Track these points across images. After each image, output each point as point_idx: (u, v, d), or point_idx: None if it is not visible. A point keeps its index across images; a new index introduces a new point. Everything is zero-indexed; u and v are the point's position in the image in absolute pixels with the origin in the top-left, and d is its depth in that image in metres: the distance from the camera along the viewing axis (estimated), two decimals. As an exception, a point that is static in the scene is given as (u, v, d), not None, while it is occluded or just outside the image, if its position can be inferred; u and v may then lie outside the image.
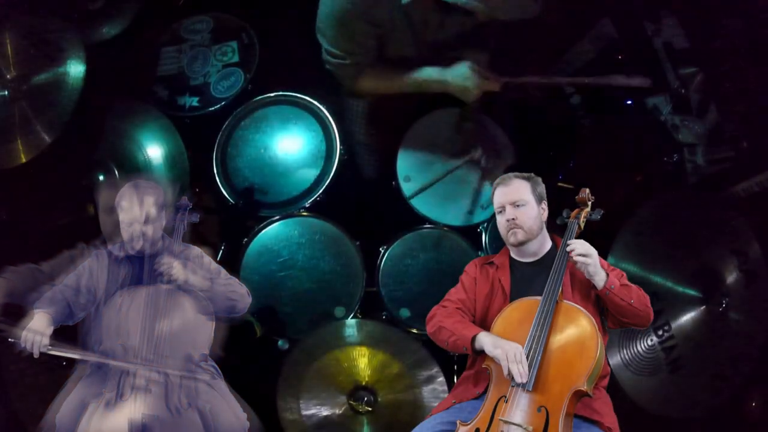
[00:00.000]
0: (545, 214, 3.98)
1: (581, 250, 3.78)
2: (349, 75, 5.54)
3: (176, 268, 4.15)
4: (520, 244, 3.94)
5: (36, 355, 4.03)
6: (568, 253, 3.80)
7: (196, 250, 4.39)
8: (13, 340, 4.02)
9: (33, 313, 4.09)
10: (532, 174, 4.03)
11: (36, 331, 4.01)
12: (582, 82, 5.70)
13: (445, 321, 3.88)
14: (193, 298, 4.20)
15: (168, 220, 4.37)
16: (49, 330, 4.05)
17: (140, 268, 4.26)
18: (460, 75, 5.50)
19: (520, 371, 3.59)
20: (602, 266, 3.81)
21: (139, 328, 4.11)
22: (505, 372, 3.61)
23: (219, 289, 4.25)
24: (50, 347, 4.02)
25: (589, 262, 3.76)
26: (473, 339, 3.74)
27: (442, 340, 3.88)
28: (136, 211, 4.23)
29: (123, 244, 4.32)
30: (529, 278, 3.91)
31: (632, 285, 3.84)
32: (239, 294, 4.31)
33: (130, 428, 3.93)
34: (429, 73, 5.54)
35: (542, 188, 4.01)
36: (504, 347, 3.65)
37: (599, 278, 3.77)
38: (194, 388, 4.10)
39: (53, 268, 4.40)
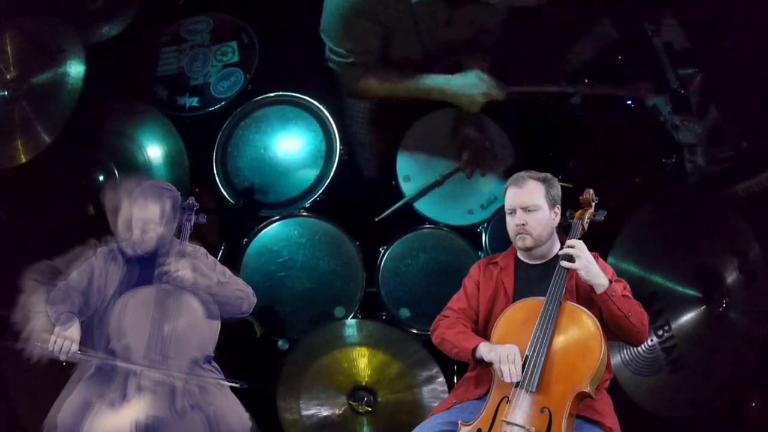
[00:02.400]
0: (557, 219, 3.92)
1: (569, 251, 3.75)
2: (352, 75, 5.52)
3: (186, 270, 4.15)
4: (528, 250, 3.91)
5: (63, 359, 4.03)
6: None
7: (201, 250, 4.40)
8: (40, 344, 4.03)
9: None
10: (549, 175, 3.96)
11: (66, 336, 4.01)
12: (582, 90, 5.67)
13: (446, 333, 3.88)
14: (201, 300, 4.20)
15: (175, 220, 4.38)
16: (79, 334, 4.05)
17: (149, 269, 4.26)
18: (467, 84, 5.48)
19: (511, 371, 3.58)
20: (606, 273, 3.79)
21: (147, 329, 4.10)
22: (499, 373, 3.61)
23: (226, 290, 4.26)
24: (78, 352, 4.03)
25: (577, 266, 3.73)
26: (473, 350, 3.74)
27: (447, 351, 3.90)
28: (153, 212, 4.23)
29: (132, 244, 4.31)
30: (534, 280, 3.89)
31: (633, 299, 3.81)
32: (245, 294, 4.32)
33: (133, 429, 3.93)
34: (435, 80, 5.51)
35: (557, 191, 3.94)
36: (497, 350, 3.64)
37: (598, 283, 3.73)
38: (198, 389, 4.10)
39: (67, 265, 4.39)
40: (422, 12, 5.11)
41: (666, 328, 5.40)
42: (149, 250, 4.29)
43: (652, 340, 5.40)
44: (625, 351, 5.42)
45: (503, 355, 3.60)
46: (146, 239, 4.25)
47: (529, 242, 3.87)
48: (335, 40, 5.31)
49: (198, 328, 4.21)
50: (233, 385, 4.16)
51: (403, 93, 5.59)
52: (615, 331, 3.79)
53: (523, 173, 3.95)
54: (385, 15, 5.15)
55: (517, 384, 3.61)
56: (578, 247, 3.74)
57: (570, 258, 3.73)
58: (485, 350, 3.69)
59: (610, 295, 3.70)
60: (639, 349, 5.41)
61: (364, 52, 5.36)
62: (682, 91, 5.74)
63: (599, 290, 3.72)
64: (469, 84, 5.49)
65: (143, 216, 4.23)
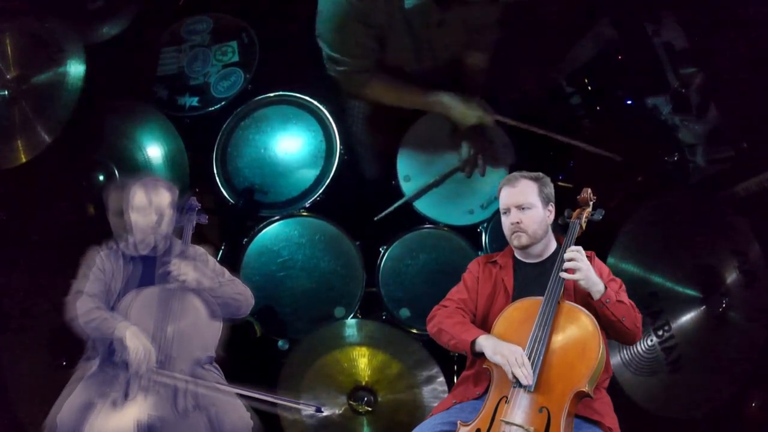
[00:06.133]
0: (551, 216, 3.96)
1: (572, 264, 3.76)
2: (353, 82, 5.50)
3: (190, 272, 4.16)
4: (524, 248, 3.93)
5: (141, 373, 4.04)
6: (567, 249, 3.80)
7: (200, 250, 4.41)
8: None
9: (126, 329, 4.09)
10: (541, 174, 4.00)
11: (147, 347, 4.04)
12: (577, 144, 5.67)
13: (444, 322, 3.88)
14: (204, 300, 4.21)
15: (175, 220, 4.39)
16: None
17: (151, 268, 4.27)
18: (465, 108, 5.48)
19: (525, 374, 3.59)
20: (602, 276, 3.80)
21: (151, 329, 4.11)
22: (510, 377, 3.61)
23: (225, 290, 4.27)
24: (156, 367, 4.06)
25: (578, 277, 3.75)
26: (472, 343, 3.74)
27: (443, 342, 3.89)
28: (151, 210, 4.24)
29: (134, 243, 4.32)
30: (532, 279, 3.91)
31: (627, 302, 3.83)
32: (244, 295, 4.34)
33: (135, 429, 3.93)
34: (438, 97, 5.51)
35: (550, 189, 3.98)
36: (504, 353, 3.64)
37: (596, 290, 3.76)
38: (201, 389, 4.12)
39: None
40: (414, 14, 5.09)
41: (666, 328, 5.39)
42: (150, 245, 4.30)
43: (652, 340, 5.39)
44: (625, 351, 5.42)
45: (511, 358, 3.61)
46: (149, 233, 4.25)
47: (524, 240, 3.90)
48: (331, 45, 5.30)
49: (201, 329, 4.23)
50: (310, 410, 4.21)
51: (405, 104, 5.59)
52: (609, 332, 3.83)
53: (515, 173, 4.01)
54: (377, 19, 5.14)
55: (516, 383, 3.62)
56: (578, 258, 3.75)
57: (570, 269, 3.75)
58: (488, 347, 3.68)
59: (605, 302, 3.73)
60: (639, 349, 5.40)
61: (361, 56, 5.34)
62: (682, 91, 5.74)
63: (596, 297, 3.75)
64: (465, 109, 5.49)
65: (145, 208, 4.24)
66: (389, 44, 5.36)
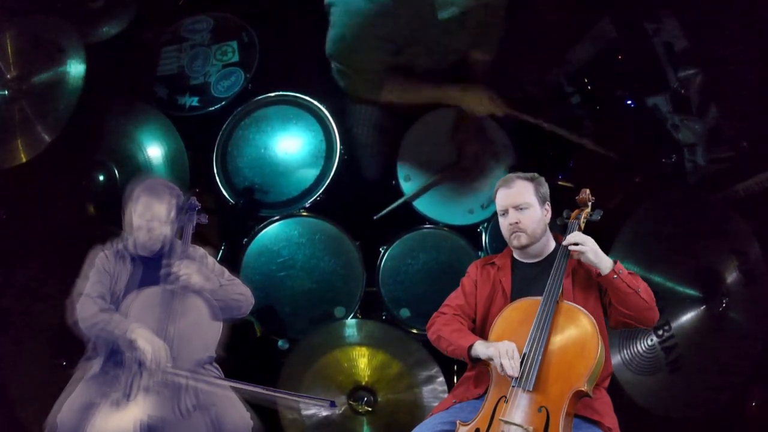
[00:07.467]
0: (549, 215, 3.96)
1: (573, 239, 3.76)
2: (361, 88, 5.50)
3: (192, 273, 4.16)
4: (524, 248, 3.93)
5: (158, 377, 4.04)
6: (566, 248, 3.79)
7: (200, 251, 4.41)
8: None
9: (134, 330, 4.08)
10: (536, 174, 4.00)
11: (162, 346, 4.04)
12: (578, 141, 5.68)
13: (443, 330, 3.89)
14: (205, 301, 4.21)
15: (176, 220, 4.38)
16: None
17: (153, 269, 4.26)
18: (477, 98, 5.49)
19: (512, 365, 3.59)
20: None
21: (153, 329, 4.11)
22: (498, 368, 3.62)
23: (227, 291, 4.27)
24: (170, 367, 4.06)
25: (585, 249, 3.73)
26: (469, 348, 3.75)
27: (442, 348, 3.91)
28: (156, 212, 4.23)
29: (136, 244, 4.31)
30: (531, 279, 3.91)
31: (639, 277, 3.82)
32: (245, 295, 4.34)
33: (137, 429, 3.93)
34: (450, 91, 5.52)
35: (546, 189, 3.98)
36: (496, 345, 3.66)
37: (604, 265, 3.72)
38: (201, 389, 4.12)
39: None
40: (439, 22, 5.09)
41: (666, 328, 5.39)
42: (155, 250, 4.30)
43: (652, 340, 5.40)
44: (625, 351, 5.42)
45: (502, 350, 3.62)
46: (153, 238, 4.25)
47: (524, 240, 3.90)
48: (346, 63, 5.29)
49: (202, 329, 4.23)
50: (323, 405, 4.22)
51: (418, 99, 5.59)
52: (625, 312, 3.76)
53: (510, 174, 4.01)
54: (398, 34, 5.14)
55: (515, 383, 3.62)
56: (580, 236, 3.76)
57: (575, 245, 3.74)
58: (482, 348, 3.70)
59: (618, 273, 3.70)
60: (639, 348, 5.41)
61: (373, 68, 5.35)
62: (682, 91, 5.74)
63: (606, 271, 3.71)
64: (478, 99, 5.49)
65: (149, 214, 4.23)
66: (405, 51, 5.37)
